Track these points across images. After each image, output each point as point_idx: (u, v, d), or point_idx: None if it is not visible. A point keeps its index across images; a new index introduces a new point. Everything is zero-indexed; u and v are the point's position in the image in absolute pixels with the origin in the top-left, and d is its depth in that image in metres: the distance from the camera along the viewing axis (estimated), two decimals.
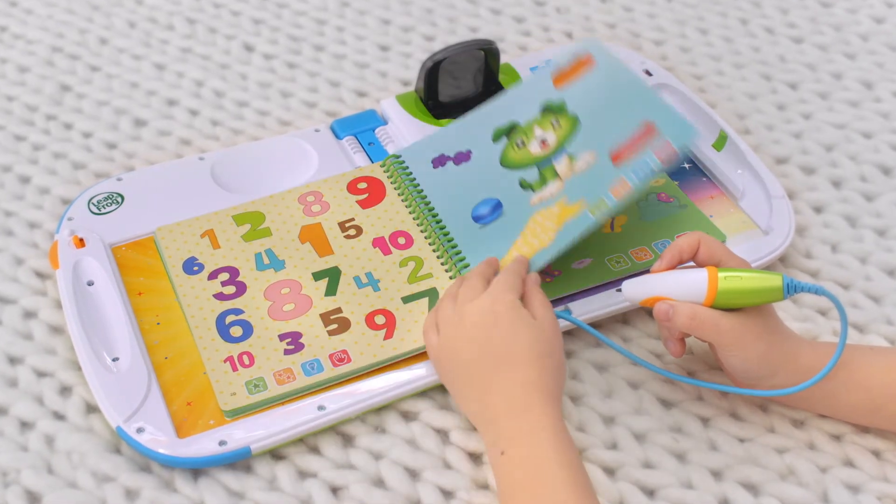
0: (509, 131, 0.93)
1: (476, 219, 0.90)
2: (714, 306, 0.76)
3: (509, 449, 0.72)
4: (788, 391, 0.77)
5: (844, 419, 0.80)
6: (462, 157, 0.95)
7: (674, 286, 0.77)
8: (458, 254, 0.89)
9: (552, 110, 0.92)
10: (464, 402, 0.78)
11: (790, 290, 0.75)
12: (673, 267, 0.79)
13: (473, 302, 0.78)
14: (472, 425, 0.81)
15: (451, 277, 0.88)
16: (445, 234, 0.90)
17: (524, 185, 0.90)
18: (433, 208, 0.93)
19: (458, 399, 0.79)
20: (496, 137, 0.94)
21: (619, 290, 0.83)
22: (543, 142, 0.90)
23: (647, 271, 0.88)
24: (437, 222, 0.91)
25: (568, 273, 0.88)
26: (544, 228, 0.86)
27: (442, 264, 0.89)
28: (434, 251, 0.90)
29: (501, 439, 0.73)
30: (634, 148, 0.84)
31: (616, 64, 0.91)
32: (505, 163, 0.92)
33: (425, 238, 0.91)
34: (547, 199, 0.87)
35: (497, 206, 0.90)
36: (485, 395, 0.75)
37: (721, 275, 0.76)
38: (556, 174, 0.88)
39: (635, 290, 0.79)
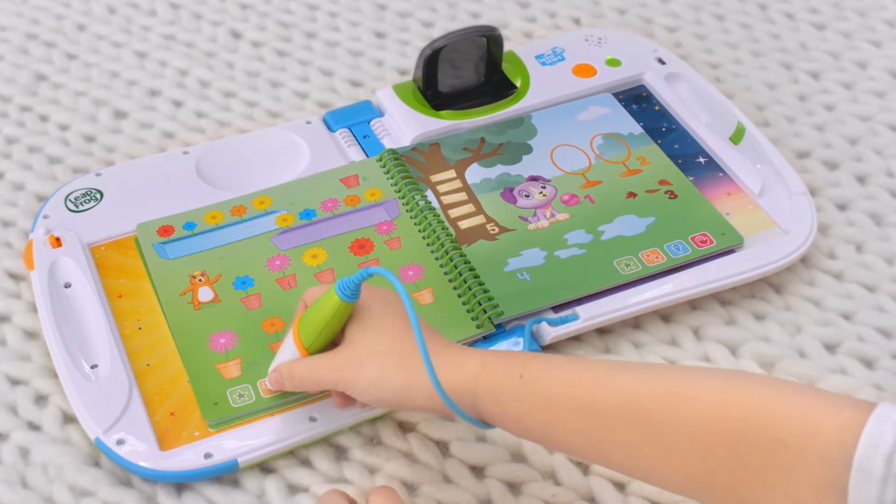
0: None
1: None
2: (314, 351, 0.75)
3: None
4: (476, 421, 0.71)
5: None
6: None
7: (281, 353, 0.77)
8: (457, 249, 0.89)
9: None
10: None
11: (344, 289, 0.71)
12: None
13: None
14: (474, 436, 0.81)
15: (450, 280, 0.88)
16: (446, 232, 0.91)
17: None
18: (434, 208, 0.93)
19: None
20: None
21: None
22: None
23: (657, 275, 0.89)
24: (440, 222, 0.92)
25: (576, 277, 0.88)
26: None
27: (441, 266, 0.89)
28: (433, 252, 0.90)
29: None
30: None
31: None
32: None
33: (423, 238, 0.91)
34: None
35: None
36: None
37: (301, 318, 0.75)
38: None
39: (268, 373, 0.78)
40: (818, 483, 0.58)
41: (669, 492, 0.70)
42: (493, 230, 0.92)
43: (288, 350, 0.76)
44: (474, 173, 0.97)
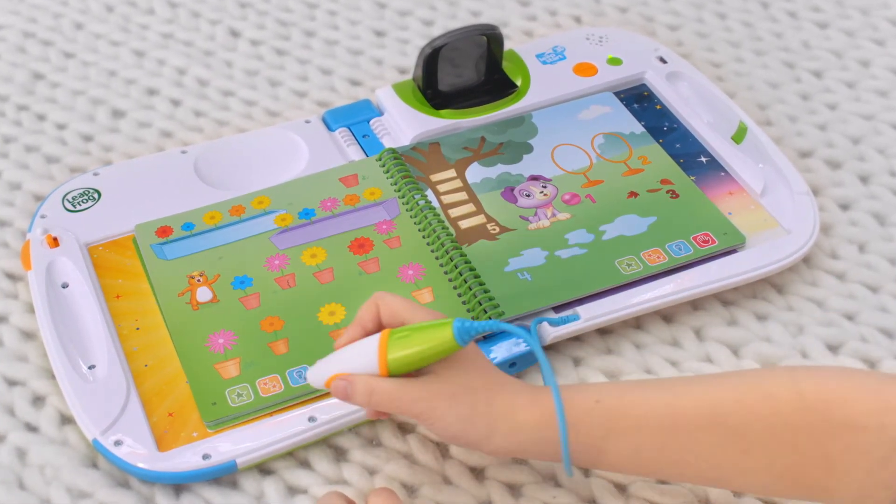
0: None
1: None
2: (394, 373, 0.71)
3: None
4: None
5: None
6: None
7: (349, 360, 0.72)
8: (457, 249, 0.89)
9: None
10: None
11: (463, 334, 0.69)
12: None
13: None
14: None
15: (450, 280, 0.88)
16: (447, 232, 0.90)
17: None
18: (434, 208, 0.93)
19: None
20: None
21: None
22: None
23: (658, 275, 0.89)
24: (440, 222, 0.92)
25: (577, 277, 0.88)
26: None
27: (441, 266, 0.89)
28: (433, 252, 0.90)
29: None
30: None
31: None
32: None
33: (423, 237, 0.91)
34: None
35: None
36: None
37: (393, 337, 0.70)
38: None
39: (317, 373, 0.74)
40: None
41: (754, 494, 0.73)
42: (494, 230, 0.92)
43: (362, 362, 0.71)
44: (475, 173, 0.97)
